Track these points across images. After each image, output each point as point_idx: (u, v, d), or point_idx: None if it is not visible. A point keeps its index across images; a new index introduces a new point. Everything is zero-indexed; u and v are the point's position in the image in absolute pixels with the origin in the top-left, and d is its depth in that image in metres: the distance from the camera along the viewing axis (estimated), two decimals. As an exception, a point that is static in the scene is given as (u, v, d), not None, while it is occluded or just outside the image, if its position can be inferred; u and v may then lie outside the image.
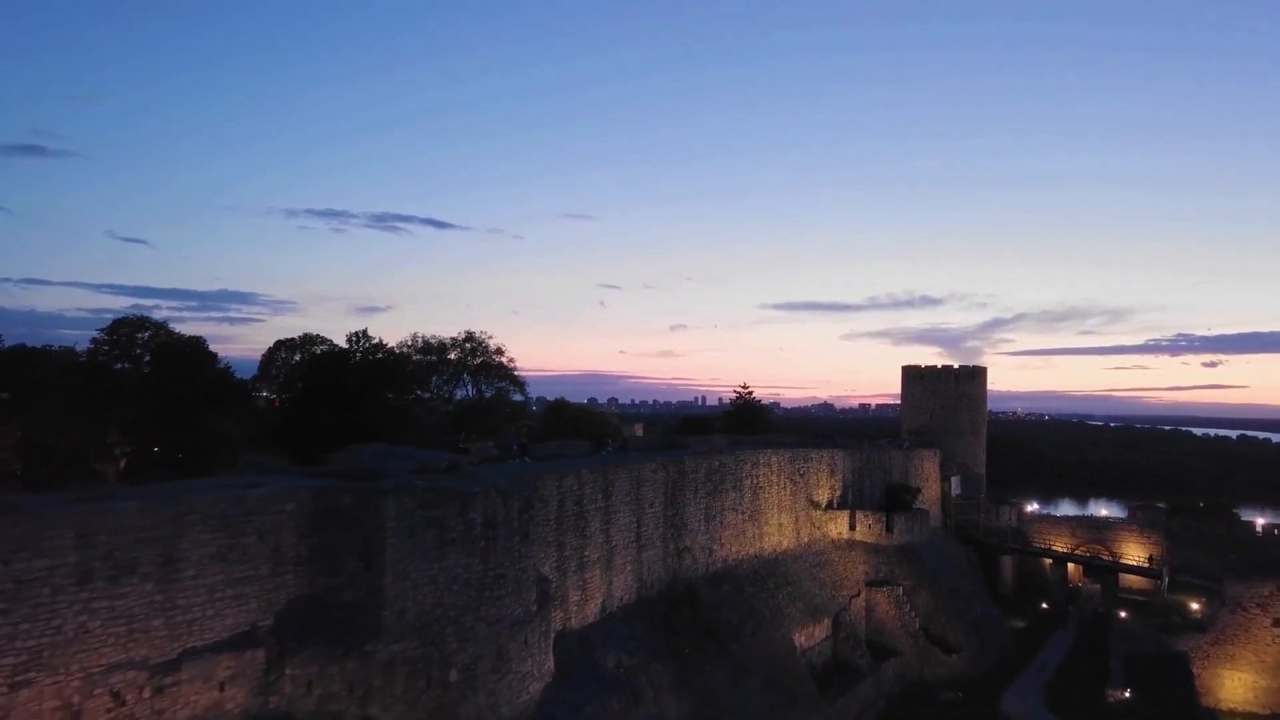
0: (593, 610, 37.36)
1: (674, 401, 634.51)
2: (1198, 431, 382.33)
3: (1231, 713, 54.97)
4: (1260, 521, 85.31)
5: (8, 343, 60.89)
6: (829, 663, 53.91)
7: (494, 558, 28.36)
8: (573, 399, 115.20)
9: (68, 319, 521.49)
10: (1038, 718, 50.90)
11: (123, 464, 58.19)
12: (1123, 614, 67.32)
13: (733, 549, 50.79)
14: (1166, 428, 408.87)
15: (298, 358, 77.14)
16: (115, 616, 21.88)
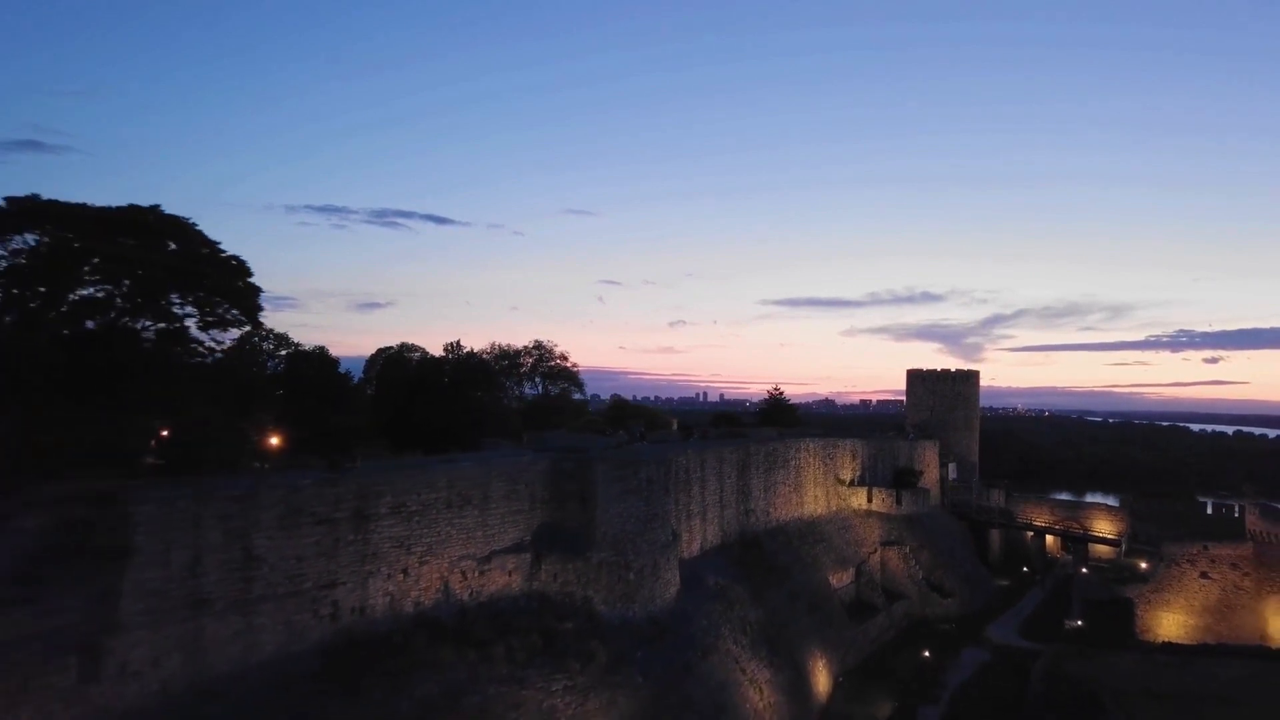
0: (695, 548, 53.45)
1: (675, 398, 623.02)
2: (1195, 427, 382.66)
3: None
4: (1210, 502, 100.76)
5: None
6: (854, 601, 69.02)
7: (651, 502, 44.36)
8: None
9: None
10: (1011, 640, 66.43)
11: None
12: (1084, 570, 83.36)
13: (783, 512, 66.45)
14: (1165, 424, 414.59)
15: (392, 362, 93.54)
16: (461, 529, 37.85)
